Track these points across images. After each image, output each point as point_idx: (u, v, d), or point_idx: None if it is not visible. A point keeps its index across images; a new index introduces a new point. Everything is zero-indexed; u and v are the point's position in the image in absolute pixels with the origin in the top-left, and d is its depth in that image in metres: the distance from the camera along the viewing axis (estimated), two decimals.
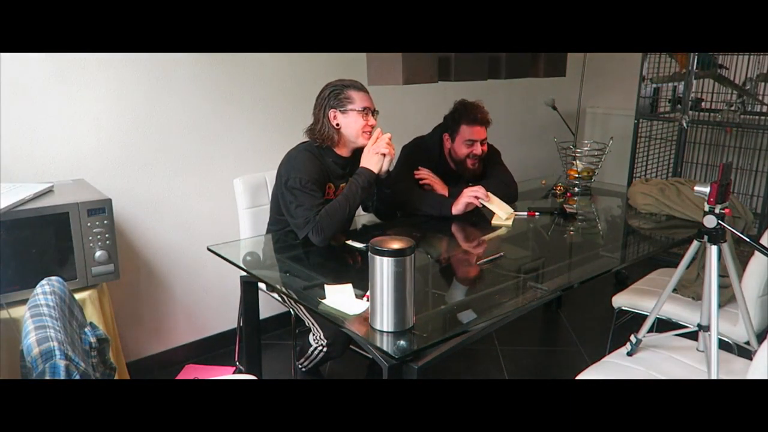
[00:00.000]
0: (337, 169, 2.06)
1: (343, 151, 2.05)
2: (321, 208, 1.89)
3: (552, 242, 2.19)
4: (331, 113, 1.97)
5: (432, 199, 2.33)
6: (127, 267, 2.35)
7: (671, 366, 1.71)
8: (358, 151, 2.05)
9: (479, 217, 2.30)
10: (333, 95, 1.98)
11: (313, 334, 2.08)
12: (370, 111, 2.01)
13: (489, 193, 2.28)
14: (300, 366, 2.20)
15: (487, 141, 2.47)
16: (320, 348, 2.06)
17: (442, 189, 2.40)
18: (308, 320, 2.06)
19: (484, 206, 2.29)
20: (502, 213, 2.26)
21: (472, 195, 2.25)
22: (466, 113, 2.43)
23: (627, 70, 3.92)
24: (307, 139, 2.05)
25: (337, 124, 1.99)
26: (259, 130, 2.65)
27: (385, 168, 2.00)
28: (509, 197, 2.43)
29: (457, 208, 2.27)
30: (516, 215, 2.31)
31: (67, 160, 2.15)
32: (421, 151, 2.49)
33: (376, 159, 1.97)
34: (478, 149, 2.43)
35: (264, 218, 2.23)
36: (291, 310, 2.23)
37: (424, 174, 2.40)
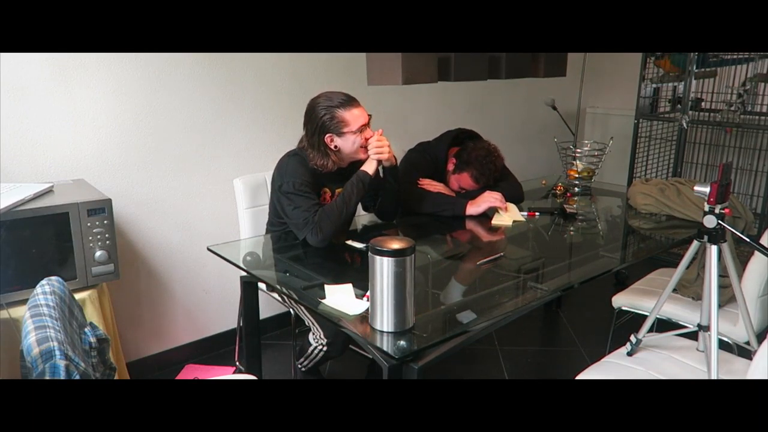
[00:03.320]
0: (332, 174, 2.06)
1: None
2: (317, 208, 1.90)
3: (552, 242, 2.19)
4: (328, 138, 1.96)
5: (443, 199, 2.35)
6: (127, 267, 2.35)
7: (671, 366, 1.71)
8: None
9: (480, 217, 2.30)
10: (328, 119, 1.94)
11: (313, 334, 2.08)
12: (366, 126, 1.99)
13: (508, 204, 2.32)
14: (300, 366, 2.20)
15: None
16: (320, 347, 2.06)
17: (448, 194, 2.43)
18: (308, 320, 2.06)
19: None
20: (509, 218, 2.27)
21: (494, 199, 2.28)
22: (481, 170, 2.39)
23: (627, 70, 3.92)
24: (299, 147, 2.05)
25: (335, 146, 1.98)
26: (259, 130, 2.65)
27: (381, 163, 2.02)
28: (516, 200, 2.48)
29: (477, 209, 2.28)
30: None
31: (67, 160, 2.15)
32: (427, 157, 2.50)
33: (374, 163, 2.00)
34: (461, 192, 2.47)
35: (264, 218, 2.23)
36: (291, 310, 2.23)
37: (428, 183, 2.41)
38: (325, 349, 2.05)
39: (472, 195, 2.35)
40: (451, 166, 2.48)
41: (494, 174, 2.43)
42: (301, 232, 1.90)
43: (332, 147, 1.98)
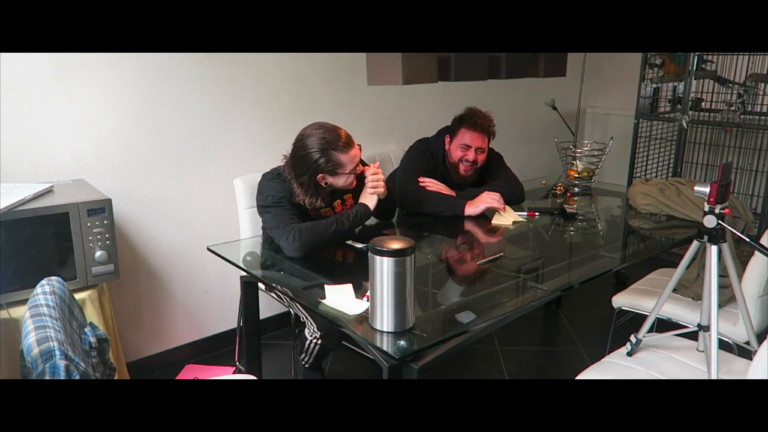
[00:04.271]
0: None
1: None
2: (296, 219, 1.90)
3: (552, 242, 2.19)
4: (320, 177, 1.94)
5: (443, 199, 2.35)
6: (127, 267, 2.35)
7: (671, 366, 1.71)
8: None
9: (480, 217, 2.30)
10: (323, 162, 1.90)
11: (308, 328, 2.08)
12: (359, 163, 1.99)
13: (507, 207, 2.32)
14: (302, 362, 2.20)
15: (485, 151, 2.47)
16: (315, 340, 2.06)
17: (449, 193, 2.42)
18: (302, 315, 2.06)
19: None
20: (509, 218, 2.27)
21: (491, 200, 2.28)
22: (468, 118, 2.44)
23: (627, 70, 3.92)
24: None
25: (327, 183, 1.97)
26: (259, 130, 2.65)
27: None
28: (516, 199, 2.48)
29: (475, 210, 2.29)
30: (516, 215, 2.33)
31: (67, 160, 2.15)
32: (427, 153, 2.50)
33: (375, 198, 2.01)
34: (471, 155, 2.44)
35: None
36: (290, 309, 2.23)
37: (429, 182, 2.42)
38: (320, 342, 2.05)
39: (472, 195, 2.35)
40: (447, 142, 2.49)
41: (490, 125, 2.44)
42: (276, 233, 1.89)
43: (323, 184, 1.97)
